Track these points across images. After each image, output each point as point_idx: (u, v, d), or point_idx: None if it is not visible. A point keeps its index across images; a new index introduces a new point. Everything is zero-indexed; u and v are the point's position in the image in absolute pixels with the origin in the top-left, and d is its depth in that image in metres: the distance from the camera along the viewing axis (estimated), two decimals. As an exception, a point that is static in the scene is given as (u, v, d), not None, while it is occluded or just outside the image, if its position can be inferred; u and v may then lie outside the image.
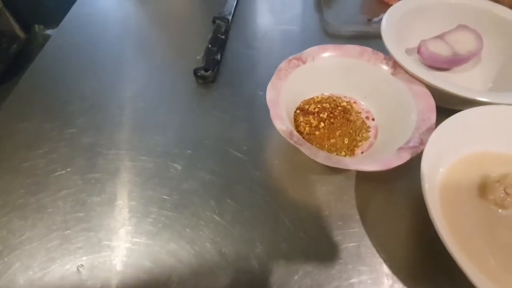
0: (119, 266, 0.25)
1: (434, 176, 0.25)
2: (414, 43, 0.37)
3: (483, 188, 0.25)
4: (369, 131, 0.32)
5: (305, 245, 0.26)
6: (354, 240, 0.26)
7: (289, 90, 0.31)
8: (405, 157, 0.25)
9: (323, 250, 0.25)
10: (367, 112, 0.34)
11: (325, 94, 0.35)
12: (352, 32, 0.42)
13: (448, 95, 0.28)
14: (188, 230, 0.27)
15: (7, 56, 1.08)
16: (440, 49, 0.35)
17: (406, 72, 0.30)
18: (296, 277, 0.24)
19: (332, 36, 0.43)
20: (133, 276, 0.24)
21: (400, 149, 0.26)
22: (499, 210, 0.24)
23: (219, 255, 0.25)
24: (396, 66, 0.31)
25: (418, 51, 0.36)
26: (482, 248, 0.23)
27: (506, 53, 0.35)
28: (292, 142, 0.25)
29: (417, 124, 0.27)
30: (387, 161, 0.24)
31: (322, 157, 0.25)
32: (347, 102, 0.34)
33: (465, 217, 0.24)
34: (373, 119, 0.33)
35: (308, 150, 0.25)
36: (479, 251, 0.22)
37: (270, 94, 0.29)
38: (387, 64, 0.32)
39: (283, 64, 0.31)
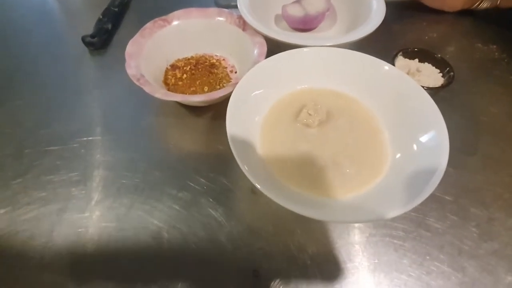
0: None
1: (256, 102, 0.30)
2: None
3: (298, 113, 0.31)
4: (231, 81, 0.37)
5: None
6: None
7: (155, 47, 0.36)
8: (228, 89, 0.30)
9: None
10: (232, 66, 0.39)
11: (199, 53, 0.40)
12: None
13: (276, 41, 0.34)
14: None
15: None
16: (296, 11, 0.41)
17: (252, 27, 0.36)
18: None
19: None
20: None
21: (229, 85, 0.31)
22: (307, 129, 0.30)
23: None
24: (245, 23, 0.36)
25: (282, 15, 0.42)
26: (283, 155, 0.28)
27: (352, 13, 0.41)
28: (138, 84, 0.30)
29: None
30: (213, 93, 0.30)
31: (160, 93, 0.30)
32: (216, 59, 0.39)
33: (279, 134, 0.30)
34: (236, 72, 0.38)
35: (149, 88, 0.30)
36: (281, 157, 0.28)
37: (129, 49, 0.33)
38: (239, 22, 0.37)
39: (148, 24, 0.36)
